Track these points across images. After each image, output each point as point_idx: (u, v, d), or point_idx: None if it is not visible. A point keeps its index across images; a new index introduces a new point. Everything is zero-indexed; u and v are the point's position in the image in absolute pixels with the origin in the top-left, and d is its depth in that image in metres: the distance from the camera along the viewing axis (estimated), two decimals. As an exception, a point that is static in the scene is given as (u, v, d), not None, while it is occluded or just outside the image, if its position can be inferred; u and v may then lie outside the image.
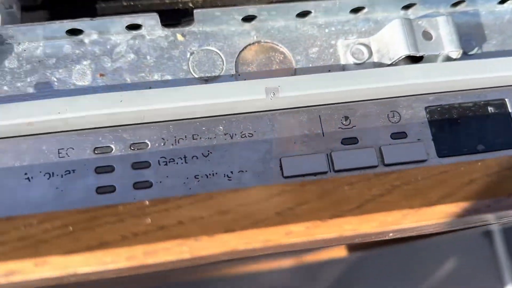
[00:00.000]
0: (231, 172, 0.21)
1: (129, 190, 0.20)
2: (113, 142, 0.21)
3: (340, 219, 0.14)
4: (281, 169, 0.21)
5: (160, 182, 0.21)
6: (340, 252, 0.80)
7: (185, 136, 0.21)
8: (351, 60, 0.24)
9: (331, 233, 0.14)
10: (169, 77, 0.24)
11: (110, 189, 0.20)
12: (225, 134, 0.22)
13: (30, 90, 0.23)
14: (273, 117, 0.22)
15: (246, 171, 0.21)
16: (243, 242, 0.14)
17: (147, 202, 0.15)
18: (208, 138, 0.21)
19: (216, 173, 0.21)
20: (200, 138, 0.21)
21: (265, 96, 0.22)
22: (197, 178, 0.21)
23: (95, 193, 0.20)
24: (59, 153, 0.21)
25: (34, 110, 0.21)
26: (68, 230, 0.14)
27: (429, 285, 0.94)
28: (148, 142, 0.21)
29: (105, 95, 0.21)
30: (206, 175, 0.21)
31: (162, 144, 0.21)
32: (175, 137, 0.21)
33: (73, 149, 0.21)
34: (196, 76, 0.24)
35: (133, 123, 0.21)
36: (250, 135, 0.22)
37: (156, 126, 0.21)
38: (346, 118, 0.22)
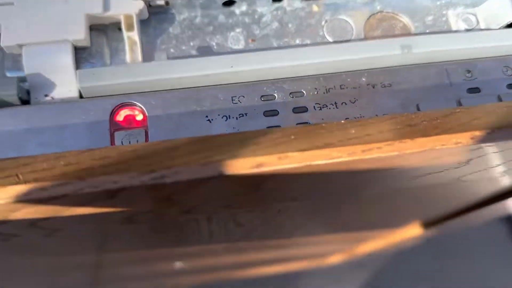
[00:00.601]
0: (376, 115, 0.25)
1: (293, 129, 0.24)
2: (275, 92, 0.25)
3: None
4: (419, 112, 0.25)
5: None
6: (374, 245, 0.83)
7: (334, 86, 0.25)
8: (462, 26, 0.28)
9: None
10: (308, 41, 0.27)
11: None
12: (367, 85, 0.25)
13: (193, 52, 0.27)
14: (407, 70, 0.26)
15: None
16: (438, 143, 0.17)
17: (343, 121, 0.19)
18: (353, 88, 0.25)
19: (364, 116, 0.25)
20: (347, 88, 0.25)
21: (400, 52, 0.25)
22: (347, 120, 0.24)
23: (266, 132, 0.24)
24: (232, 100, 0.24)
25: (210, 64, 0.25)
26: (290, 138, 0.18)
27: (451, 273, 0.96)
28: (303, 92, 0.25)
29: (267, 52, 0.25)
30: (355, 117, 0.25)
31: (316, 93, 0.25)
32: (325, 87, 0.25)
33: (244, 97, 0.25)
34: (331, 40, 0.28)
35: (291, 76, 0.25)
36: (389, 85, 0.25)
37: (309, 78, 0.25)
38: (469, 71, 0.26)
